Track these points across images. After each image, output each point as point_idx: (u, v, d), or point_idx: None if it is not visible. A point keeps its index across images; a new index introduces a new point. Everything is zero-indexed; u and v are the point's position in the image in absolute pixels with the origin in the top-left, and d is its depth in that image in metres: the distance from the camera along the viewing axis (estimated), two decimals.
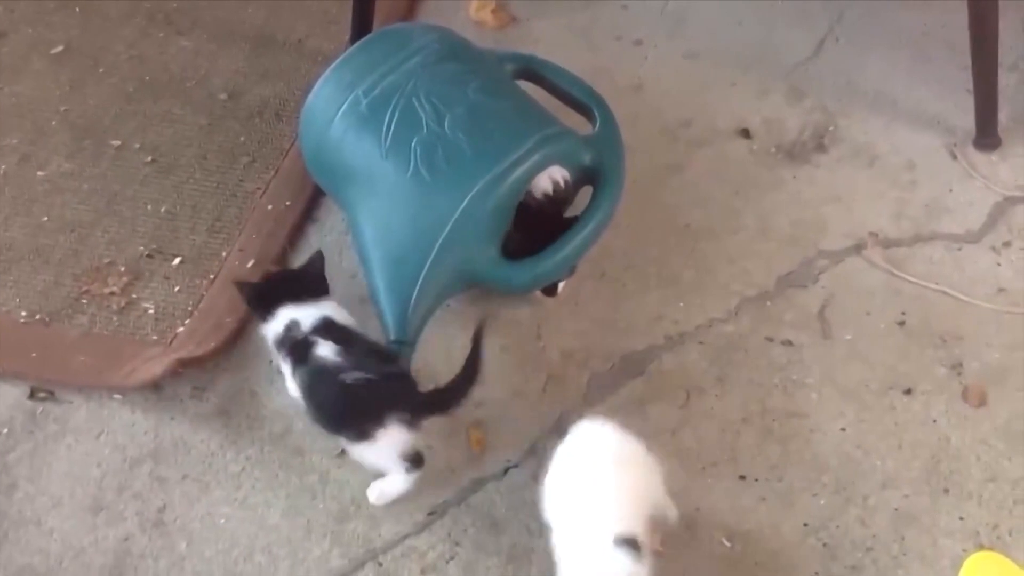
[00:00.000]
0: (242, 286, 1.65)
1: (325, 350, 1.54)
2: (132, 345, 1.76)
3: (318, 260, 1.67)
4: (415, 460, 1.57)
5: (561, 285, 1.77)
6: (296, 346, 1.57)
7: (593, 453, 1.44)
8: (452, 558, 1.55)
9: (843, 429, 1.65)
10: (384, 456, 1.56)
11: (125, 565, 1.56)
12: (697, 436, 1.65)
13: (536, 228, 1.70)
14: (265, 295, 1.63)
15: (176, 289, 1.83)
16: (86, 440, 1.67)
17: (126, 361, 1.73)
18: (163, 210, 1.93)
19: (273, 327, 1.61)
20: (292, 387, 1.61)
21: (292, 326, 1.59)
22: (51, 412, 1.70)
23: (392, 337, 1.64)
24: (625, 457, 1.43)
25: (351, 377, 1.52)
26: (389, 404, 1.52)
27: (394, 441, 1.53)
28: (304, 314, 1.59)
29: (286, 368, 1.60)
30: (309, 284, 1.64)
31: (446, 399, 1.55)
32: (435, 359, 1.72)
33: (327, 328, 1.58)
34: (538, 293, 1.77)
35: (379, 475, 1.59)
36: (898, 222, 1.88)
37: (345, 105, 1.71)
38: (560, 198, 1.71)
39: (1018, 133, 1.98)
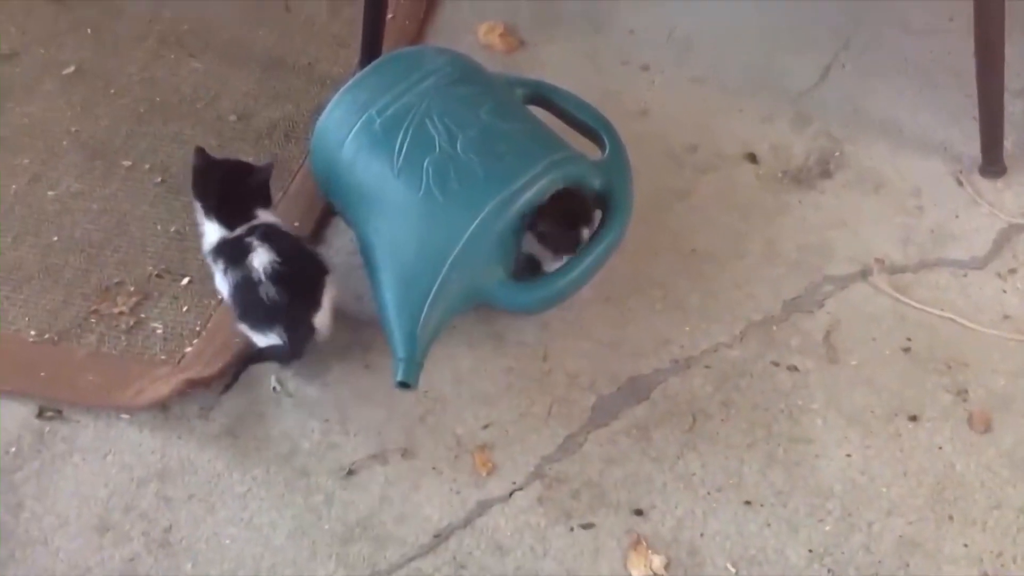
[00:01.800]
0: (201, 153, 1.80)
1: (260, 259, 1.68)
2: (140, 365, 1.76)
3: (268, 168, 1.80)
4: None
5: None
6: (235, 251, 1.71)
7: None
8: None
9: (848, 455, 1.65)
10: None
11: None
12: (702, 460, 1.65)
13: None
14: (211, 182, 1.78)
15: (184, 309, 1.83)
16: (93, 459, 1.68)
17: (134, 381, 1.74)
18: (172, 230, 1.94)
19: (209, 237, 1.75)
20: (222, 286, 1.73)
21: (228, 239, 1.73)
22: (59, 431, 1.71)
23: (400, 355, 1.64)
24: None
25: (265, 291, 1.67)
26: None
27: None
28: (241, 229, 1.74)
29: (218, 269, 1.73)
30: (254, 192, 1.77)
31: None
32: (440, 378, 1.73)
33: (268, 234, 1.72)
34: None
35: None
36: (904, 248, 1.89)
37: (358, 125, 1.72)
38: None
39: None
